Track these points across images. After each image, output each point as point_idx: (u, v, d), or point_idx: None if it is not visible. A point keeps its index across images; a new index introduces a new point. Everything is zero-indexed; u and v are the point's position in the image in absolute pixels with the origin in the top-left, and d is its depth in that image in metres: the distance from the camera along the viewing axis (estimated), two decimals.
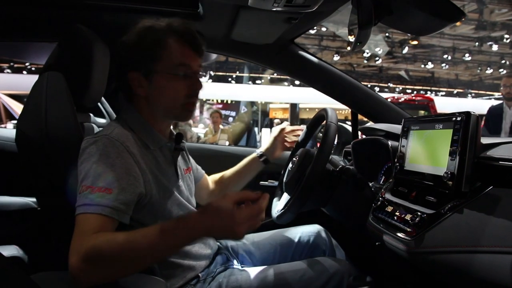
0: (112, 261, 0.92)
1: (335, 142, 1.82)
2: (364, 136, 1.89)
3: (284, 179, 1.59)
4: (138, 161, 1.12)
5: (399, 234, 1.08)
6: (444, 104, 15.83)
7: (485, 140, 1.03)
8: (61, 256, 1.20)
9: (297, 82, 21.77)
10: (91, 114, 1.51)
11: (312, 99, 21.19)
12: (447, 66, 18.30)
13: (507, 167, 0.92)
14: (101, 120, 1.59)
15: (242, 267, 1.40)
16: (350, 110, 2.06)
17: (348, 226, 1.58)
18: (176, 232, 0.94)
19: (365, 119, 2.12)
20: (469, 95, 23.13)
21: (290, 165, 1.58)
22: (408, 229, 1.04)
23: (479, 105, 18.13)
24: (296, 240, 1.57)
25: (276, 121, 13.54)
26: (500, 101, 4.55)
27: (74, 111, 1.22)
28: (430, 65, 17.51)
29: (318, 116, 1.64)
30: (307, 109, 22.88)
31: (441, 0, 1.13)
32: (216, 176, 1.70)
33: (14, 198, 1.72)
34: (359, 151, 1.71)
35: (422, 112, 9.11)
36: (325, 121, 1.45)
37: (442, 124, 1.08)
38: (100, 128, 1.34)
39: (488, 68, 17.96)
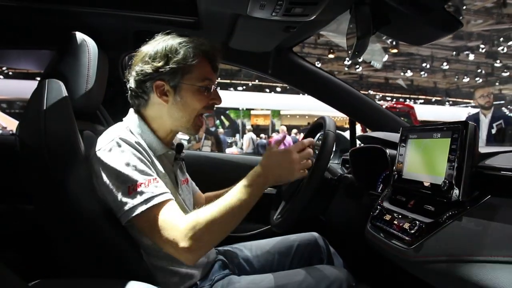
0: (215, 228, 1.08)
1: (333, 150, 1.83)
2: (362, 144, 1.90)
3: (282, 187, 1.59)
4: (150, 158, 1.19)
5: (397, 243, 1.08)
6: (423, 111, 16.05)
7: (483, 149, 1.04)
8: (59, 262, 1.20)
9: (278, 89, 22.09)
10: (90, 122, 1.51)
11: (293, 105, 21.38)
12: (425, 74, 18.95)
13: (505, 176, 0.92)
14: (100, 127, 1.59)
15: (240, 275, 1.40)
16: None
17: (346, 234, 1.58)
18: (256, 182, 1.17)
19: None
20: (447, 103, 23.65)
21: None
22: (407, 238, 1.05)
23: (457, 113, 18.60)
24: (294, 248, 1.57)
25: (248, 127, 13.57)
26: (477, 110, 4.76)
27: (73, 119, 1.22)
28: (409, 73, 18.18)
29: (316, 124, 1.65)
30: (288, 116, 23.02)
31: (438, 10, 1.14)
32: (211, 193, 1.68)
33: (11, 204, 1.72)
34: (357, 159, 1.71)
35: (402, 119, 9.18)
36: (323, 130, 1.46)
37: (440, 133, 1.08)
38: (99, 136, 1.33)
39: (465, 77, 18.82)
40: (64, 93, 1.26)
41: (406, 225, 1.07)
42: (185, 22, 1.57)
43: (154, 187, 1.09)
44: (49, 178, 1.13)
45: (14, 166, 1.26)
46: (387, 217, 1.20)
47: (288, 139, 12.85)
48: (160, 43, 1.24)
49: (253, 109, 22.05)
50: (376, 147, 1.55)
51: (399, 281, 1.48)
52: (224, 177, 2.09)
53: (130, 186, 1.07)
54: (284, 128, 14.16)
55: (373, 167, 1.64)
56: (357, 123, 2.10)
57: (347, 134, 2.14)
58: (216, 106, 1.34)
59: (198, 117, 1.29)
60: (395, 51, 14.76)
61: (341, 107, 2.04)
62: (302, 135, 14.82)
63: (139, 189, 1.07)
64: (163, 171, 1.24)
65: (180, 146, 1.39)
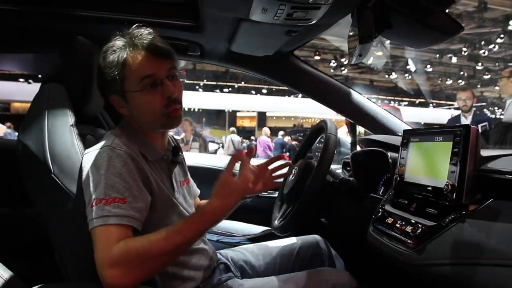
0: (148, 260, 0.98)
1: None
2: (363, 147, 1.90)
3: (284, 190, 1.60)
4: (142, 168, 1.13)
5: (399, 246, 1.08)
6: (408, 114, 16.19)
7: (485, 153, 1.04)
8: (61, 265, 1.20)
9: (264, 91, 22.22)
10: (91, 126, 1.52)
11: (279, 107, 21.45)
12: (410, 77, 19.19)
13: (507, 180, 0.93)
14: (102, 131, 1.59)
15: (242, 278, 1.40)
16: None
17: (348, 237, 1.59)
18: (204, 219, 1.06)
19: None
20: (431, 104, 23.94)
21: (290, 176, 1.59)
22: (409, 241, 1.05)
23: (440, 115, 18.86)
24: (296, 250, 1.57)
25: (231, 129, 13.53)
26: (459, 112, 4.82)
27: (75, 123, 1.23)
28: (394, 75, 18.39)
29: (317, 127, 1.65)
30: (274, 117, 23.10)
31: (439, 14, 1.14)
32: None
33: (12, 208, 1.72)
34: (358, 162, 1.71)
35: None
36: (324, 133, 1.46)
37: (442, 136, 1.09)
38: (100, 139, 1.34)
39: (448, 79, 19.15)
40: (66, 97, 1.27)
41: (409, 228, 1.07)
42: (186, 26, 1.58)
43: (114, 207, 1.01)
44: (51, 181, 1.13)
45: (17, 170, 1.26)
46: (389, 220, 1.20)
47: (265, 140, 12.80)
48: (101, 54, 1.18)
49: (239, 111, 22.13)
50: (378, 150, 1.56)
51: (401, 284, 1.48)
52: None
53: (96, 199, 1.02)
54: (268, 130, 13.95)
55: (374, 170, 1.64)
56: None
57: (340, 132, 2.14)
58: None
59: (165, 113, 1.18)
60: (380, 53, 14.89)
61: (342, 110, 2.05)
62: (288, 137, 14.83)
63: (99, 204, 1.01)
64: (160, 177, 1.22)
65: (176, 149, 1.35)
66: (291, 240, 1.63)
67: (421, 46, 1.36)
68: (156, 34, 1.20)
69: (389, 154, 1.48)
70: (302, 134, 16.11)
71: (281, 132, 15.09)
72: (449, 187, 0.99)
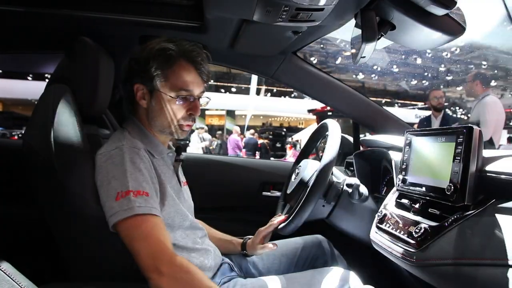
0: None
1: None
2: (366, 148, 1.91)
3: (287, 190, 1.60)
4: (153, 166, 1.19)
5: (402, 246, 1.09)
6: None
7: (487, 153, 1.05)
8: (66, 264, 1.21)
9: (233, 90, 22.24)
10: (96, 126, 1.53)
11: (248, 106, 21.46)
12: (376, 77, 19.82)
13: (510, 180, 0.93)
14: (106, 131, 1.60)
15: (246, 277, 1.40)
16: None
17: (351, 237, 1.59)
18: None
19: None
20: (396, 104, 24.29)
21: (293, 176, 1.59)
22: (412, 241, 1.05)
23: (406, 114, 19.21)
24: (299, 250, 1.58)
25: (204, 128, 13.47)
26: (427, 112, 4.95)
27: (80, 123, 1.24)
28: (361, 76, 18.80)
29: (320, 127, 1.66)
30: (243, 116, 23.14)
31: (442, 15, 1.15)
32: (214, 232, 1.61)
33: (17, 207, 1.73)
34: (361, 162, 1.72)
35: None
36: (327, 133, 1.47)
37: (444, 137, 1.09)
38: (105, 139, 1.35)
39: (413, 80, 19.78)
40: (71, 97, 1.28)
41: (412, 228, 1.08)
42: (190, 27, 1.58)
43: (142, 199, 1.07)
44: (56, 181, 1.14)
45: (23, 170, 1.27)
46: (392, 220, 1.21)
47: (235, 139, 12.71)
48: (147, 46, 1.25)
49: (207, 109, 22.13)
50: (380, 150, 1.56)
51: (404, 283, 1.49)
52: (224, 180, 2.11)
53: (119, 192, 1.06)
54: (237, 128, 13.78)
55: (377, 170, 1.65)
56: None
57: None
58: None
59: (180, 125, 1.27)
60: (348, 53, 15.04)
61: (345, 110, 2.05)
62: (257, 135, 14.69)
63: (127, 196, 1.05)
64: (166, 174, 1.26)
65: (179, 149, 1.40)
66: (294, 240, 1.63)
67: (424, 47, 1.36)
68: (205, 54, 1.28)
69: (392, 154, 1.48)
70: (271, 132, 16.15)
71: (251, 131, 14.83)
72: (452, 187, 1.00)
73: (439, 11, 1.12)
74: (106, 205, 1.08)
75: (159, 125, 1.27)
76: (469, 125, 1.00)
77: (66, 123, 1.21)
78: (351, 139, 2.24)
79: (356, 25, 1.27)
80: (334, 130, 1.45)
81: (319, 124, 1.67)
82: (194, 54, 1.24)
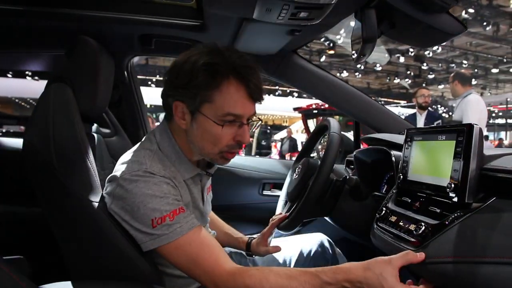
0: None
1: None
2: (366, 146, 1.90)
3: (288, 189, 1.60)
4: (176, 186, 1.10)
5: (403, 244, 1.08)
6: None
7: (488, 151, 1.04)
8: (66, 264, 1.21)
9: None
10: (96, 125, 1.53)
11: None
12: (360, 75, 20.05)
13: (510, 178, 0.93)
14: (106, 130, 1.61)
15: None
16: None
17: (352, 236, 1.59)
18: (334, 279, 0.96)
19: None
20: (379, 102, 24.82)
21: (294, 175, 1.59)
22: (412, 239, 1.05)
23: None
24: (299, 249, 1.58)
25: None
26: (410, 110, 5.10)
27: (80, 122, 1.24)
28: (345, 73, 18.93)
29: (320, 126, 1.65)
30: None
31: (442, 14, 1.15)
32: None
33: (18, 207, 1.73)
34: (362, 160, 1.72)
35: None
36: (328, 131, 1.47)
37: (445, 135, 1.09)
38: (106, 138, 1.35)
39: (396, 78, 20.01)
40: (71, 96, 1.27)
41: (412, 227, 1.08)
42: (190, 25, 1.58)
43: (180, 217, 1.02)
44: (56, 180, 1.14)
45: (23, 169, 1.27)
46: (393, 218, 1.21)
47: None
48: (191, 57, 1.07)
49: None
50: (381, 149, 1.56)
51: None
52: (224, 179, 2.10)
53: (156, 218, 1.00)
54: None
55: (377, 168, 1.65)
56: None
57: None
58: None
59: (223, 152, 1.13)
60: (331, 52, 15.28)
61: (346, 108, 2.05)
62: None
63: (166, 221, 1.00)
64: (189, 198, 1.18)
65: (211, 163, 1.28)
66: (295, 238, 1.63)
67: (424, 45, 1.36)
68: (257, 67, 1.10)
69: (393, 152, 1.48)
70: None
71: None
72: (452, 185, 1.00)
73: (439, 9, 1.12)
74: (140, 231, 1.03)
75: (198, 149, 1.14)
76: (470, 123, 1.00)
77: (66, 121, 1.20)
78: (351, 137, 2.24)
79: (356, 23, 1.26)
80: (334, 129, 1.45)
81: (319, 124, 1.66)
82: (246, 71, 1.06)
